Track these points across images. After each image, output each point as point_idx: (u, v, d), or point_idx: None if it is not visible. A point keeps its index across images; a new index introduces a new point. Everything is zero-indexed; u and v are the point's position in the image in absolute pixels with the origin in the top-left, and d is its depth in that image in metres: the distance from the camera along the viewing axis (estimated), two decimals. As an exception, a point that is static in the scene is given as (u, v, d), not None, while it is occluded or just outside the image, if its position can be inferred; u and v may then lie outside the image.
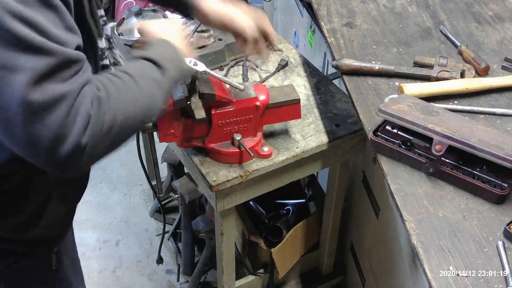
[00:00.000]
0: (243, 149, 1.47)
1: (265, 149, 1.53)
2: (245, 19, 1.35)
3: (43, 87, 0.87)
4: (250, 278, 2.03)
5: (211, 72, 1.34)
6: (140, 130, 1.45)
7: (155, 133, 1.49)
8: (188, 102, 1.36)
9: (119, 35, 1.86)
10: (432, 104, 1.34)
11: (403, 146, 1.24)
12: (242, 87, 1.42)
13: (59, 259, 1.33)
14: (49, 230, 1.23)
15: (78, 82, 0.92)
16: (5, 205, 1.15)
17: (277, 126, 1.62)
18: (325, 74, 2.09)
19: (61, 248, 1.32)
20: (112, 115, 0.96)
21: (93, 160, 0.97)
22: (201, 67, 1.28)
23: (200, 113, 1.35)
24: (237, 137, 1.46)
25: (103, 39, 1.18)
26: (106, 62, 1.21)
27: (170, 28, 1.24)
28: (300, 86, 1.79)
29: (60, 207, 1.23)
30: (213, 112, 1.43)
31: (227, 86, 1.47)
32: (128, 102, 1.00)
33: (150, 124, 1.41)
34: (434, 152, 1.17)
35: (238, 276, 1.97)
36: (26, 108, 0.86)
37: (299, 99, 1.52)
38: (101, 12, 1.18)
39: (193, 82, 1.38)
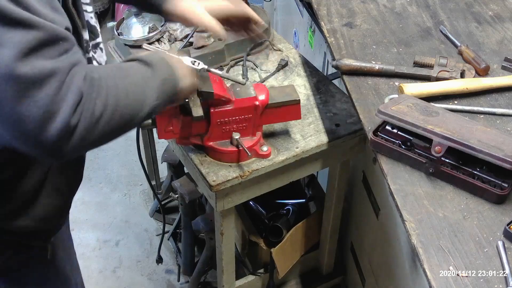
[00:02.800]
0: (241, 148, 1.47)
1: (264, 148, 1.53)
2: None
3: (31, 62, 0.86)
4: (250, 278, 2.03)
5: (211, 69, 1.34)
6: (139, 126, 1.45)
7: (155, 133, 1.50)
8: (187, 100, 1.36)
9: (118, 35, 1.86)
10: (432, 104, 1.34)
11: (403, 146, 1.24)
12: (243, 81, 1.42)
13: (54, 251, 1.33)
14: (43, 222, 1.22)
15: (68, 60, 0.91)
16: None
17: (277, 126, 1.62)
18: (325, 74, 2.09)
19: (56, 240, 1.32)
20: (104, 99, 0.95)
21: (82, 146, 0.95)
22: (200, 65, 1.28)
23: (197, 111, 1.35)
24: (236, 136, 1.46)
25: (87, 30, 1.17)
26: (89, 55, 1.20)
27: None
28: (300, 86, 1.79)
29: (53, 199, 1.22)
30: (211, 110, 1.42)
31: (227, 85, 1.47)
32: (119, 89, 0.99)
33: (149, 120, 1.41)
34: (433, 153, 1.17)
35: (238, 276, 1.97)
36: (15, 82, 0.85)
37: (299, 99, 1.51)
38: None
39: None
